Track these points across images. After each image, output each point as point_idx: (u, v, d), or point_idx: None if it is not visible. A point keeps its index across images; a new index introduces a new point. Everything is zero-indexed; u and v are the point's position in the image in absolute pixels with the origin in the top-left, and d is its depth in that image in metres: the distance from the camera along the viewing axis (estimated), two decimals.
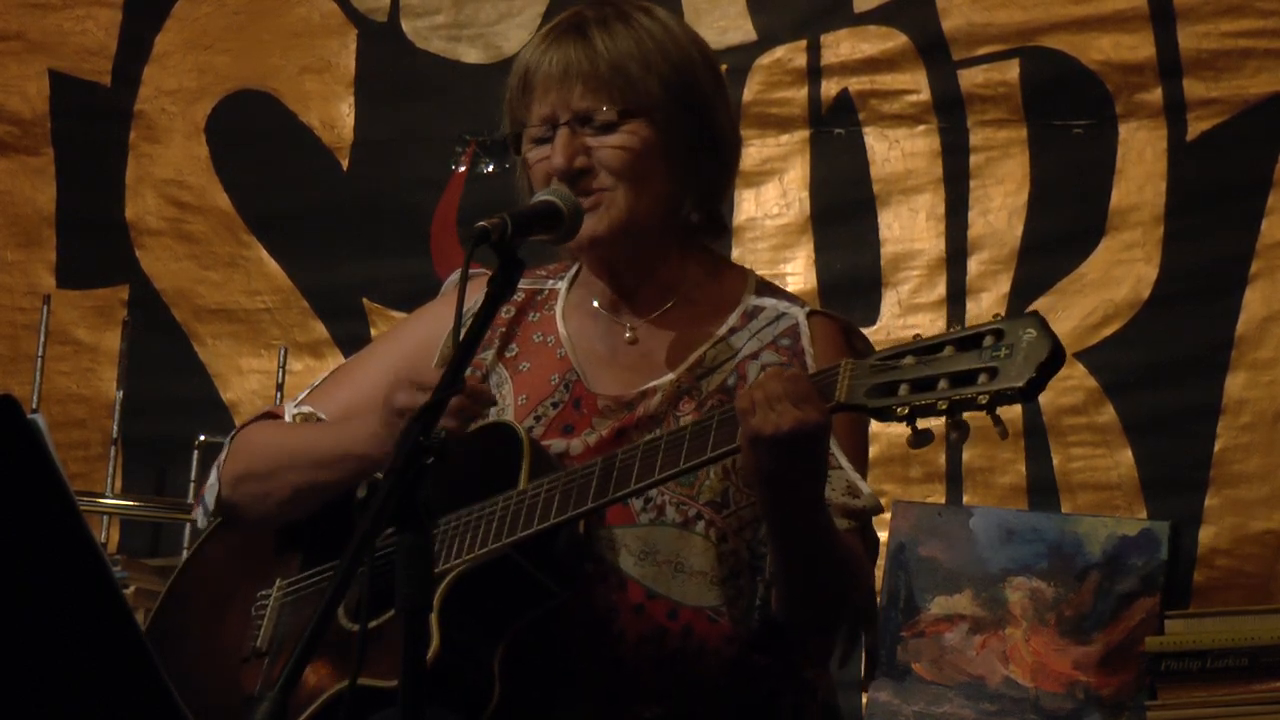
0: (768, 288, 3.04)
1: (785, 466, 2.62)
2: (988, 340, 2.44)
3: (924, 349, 2.48)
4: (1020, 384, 2.40)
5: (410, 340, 3.11)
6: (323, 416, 3.07)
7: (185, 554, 3.23)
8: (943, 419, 2.45)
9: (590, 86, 2.91)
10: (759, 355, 2.94)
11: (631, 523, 2.86)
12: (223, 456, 3.11)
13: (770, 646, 2.86)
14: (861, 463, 2.92)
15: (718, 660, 2.84)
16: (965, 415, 2.46)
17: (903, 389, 2.47)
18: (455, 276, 3.16)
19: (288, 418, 3.08)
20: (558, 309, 3.05)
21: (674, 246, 2.99)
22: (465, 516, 2.82)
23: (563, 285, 3.08)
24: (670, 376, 2.94)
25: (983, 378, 2.42)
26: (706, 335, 2.97)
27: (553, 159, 2.90)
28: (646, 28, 2.96)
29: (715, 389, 2.92)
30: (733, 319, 2.98)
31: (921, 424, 2.47)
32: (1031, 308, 4.46)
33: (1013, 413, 4.47)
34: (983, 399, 2.41)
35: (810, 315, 2.97)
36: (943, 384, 2.44)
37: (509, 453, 2.84)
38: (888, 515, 4.44)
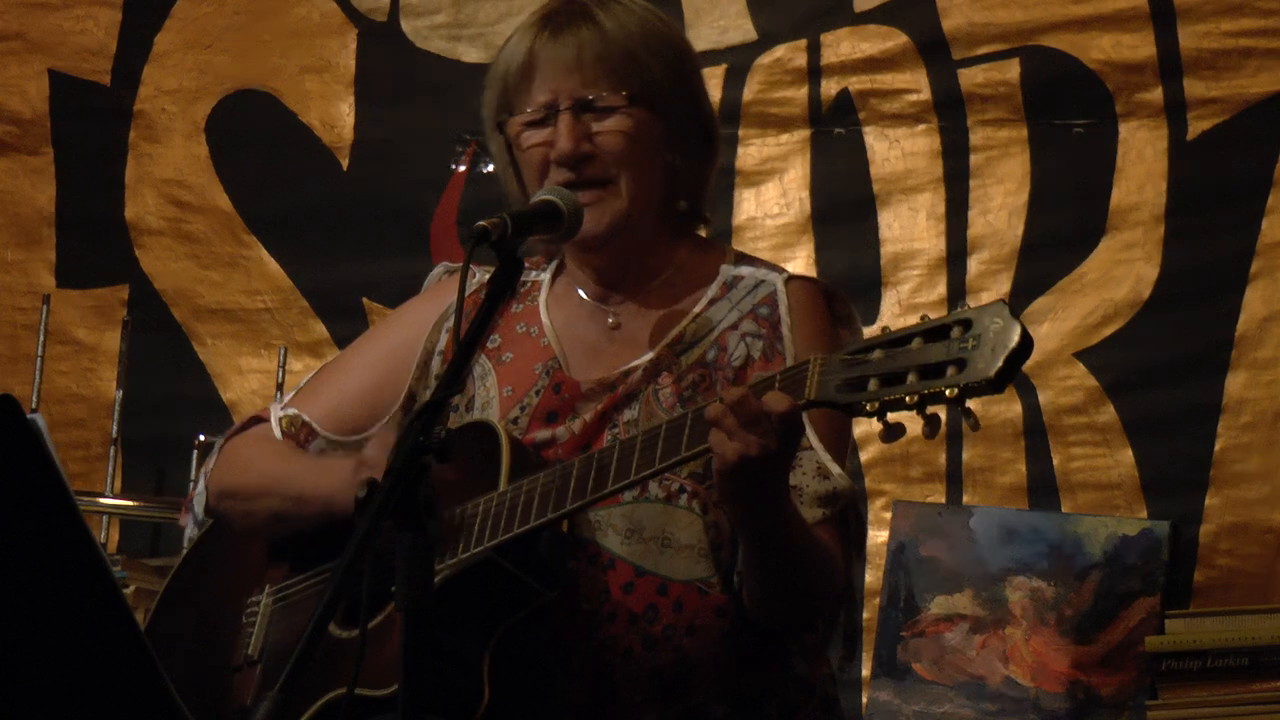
0: (746, 258, 3.05)
1: (753, 482, 2.65)
2: (955, 331, 2.41)
3: (892, 342, 2.47)
4: (989, 375, 2.37)
5: (393, 339, 3.12)
6: (307, 419, 3.08)
7: (178, 560, 3.24)
8: (913, 412, 2.44)
9: (596, 72, 2.92)
10: (739, 325, 2.95)
11: (615, 502, 2.87)
12: (210, 464, 3.13)
13: (758, 625, 2.86)
14: (837, 441, 2.91)
15: (710, 635, 2.85)
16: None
17: (872, 384, 2.46)
18: (438, 271, 3.18)
19: (274, 421, 3.10)
20: (541, 299, 3.06)
21: (662, 235, 3.01)
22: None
23: (545, 276, 3.09)
24: (650, 354, 2.94)
25: (951, 370, 2.39)
26: (686, 310, 2.98)
27: (558, 143, 2.91)
28: (641, 16, 2.98)
29: (694, 363, 2.93)
30: (712, 291, 2.99)
31: (893, 418, 2.46)
32: (1032, 307, 4.47)
33: (1012, 412, 4.47)
34: (951, 392, 2.39)
35: (789, 281, 2.97)
36: (911, 377, 2.42)
37: (489, 453, 2.84)
38: (887, 515, 4.44)
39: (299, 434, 3.08)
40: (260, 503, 3.05)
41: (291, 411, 3.10)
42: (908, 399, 2.41)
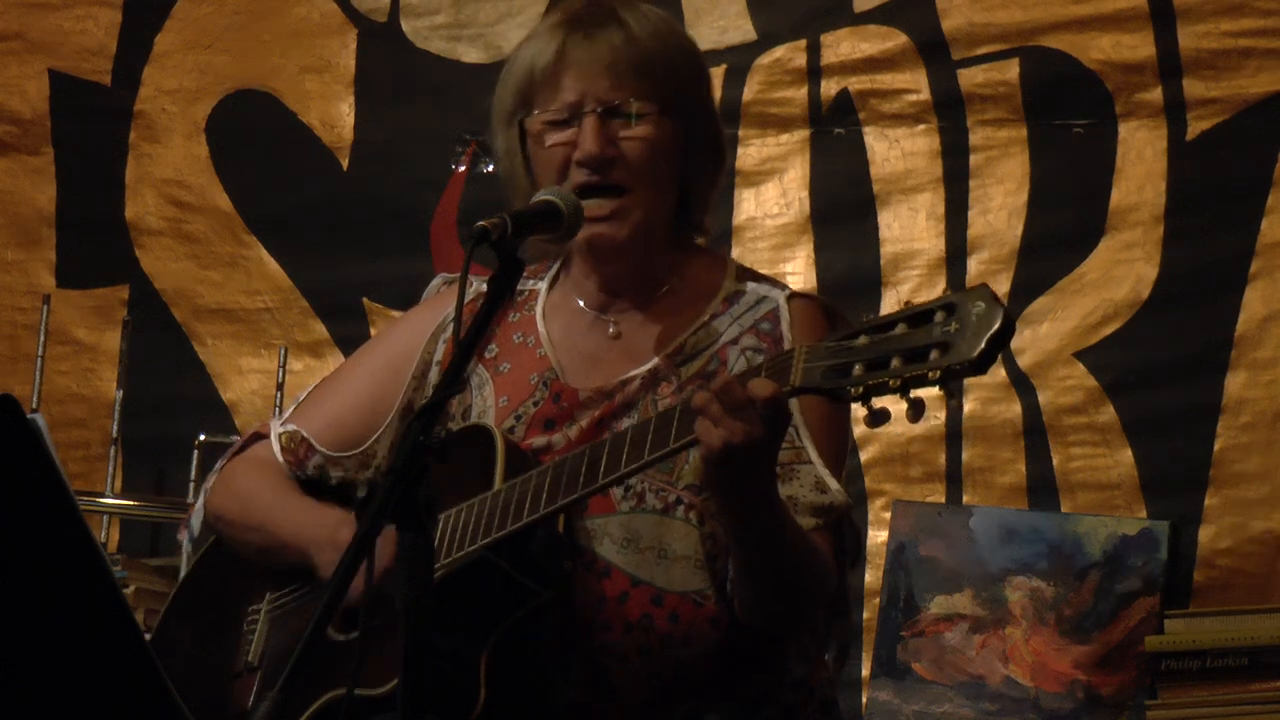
0: (748, 273, 3.06)
1: (740, 472, 2.65)
2: (939, 316, 2.42)
3: (877, 328, 2.48)
4: (971, 357, 2.38)
5: (391, 349, 3.12)
6: (306, 435, 3.08)
7: (182, 570, 3.26)
8: (898, 396, 2.45)
9: (627, 77, 2.92)
10: (739, 340, 2.96)
11: (612, 511, 2.87)
12: (210, 483, 3.15)
13: (754, 632, 2.87)
14: (836, 455, 2.92)
15: (704, 645, 2.85)
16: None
17: (857, 368, 2.47)
18: (436, 283, 3.18)
19: (274, 437, 3.10)
20: (538, 309, 3.06)
21: (667, 245, 3.01)
22: (441, 521, 2.82)
23: (543, 285, 3.09)
24: (650, 364, 2.94)
25: (934, 353, 2.40)
26: (688, 322, 2.98)
27: (583, 145, 2.90)
28: (667, 25, 3.00)
29: (694, 374, 2.93)
30: (714, 305, 3.00)
31: (878, 403, 2.47)
32: (1031, 307, 4.47)
33: (1012, 412, 4.47)
34: (934, 374, 2.40)
35: (790, 298, 2.98)
36: (895, 361, 2.44)
37: (484, 455, 2.84)
38: (887, 515, 4.44)
39: (298, 450, 3.09)
40: (248, 535, 3.09)
41: (291, 428, 3.11)
42: (891, 383, 2.43)
